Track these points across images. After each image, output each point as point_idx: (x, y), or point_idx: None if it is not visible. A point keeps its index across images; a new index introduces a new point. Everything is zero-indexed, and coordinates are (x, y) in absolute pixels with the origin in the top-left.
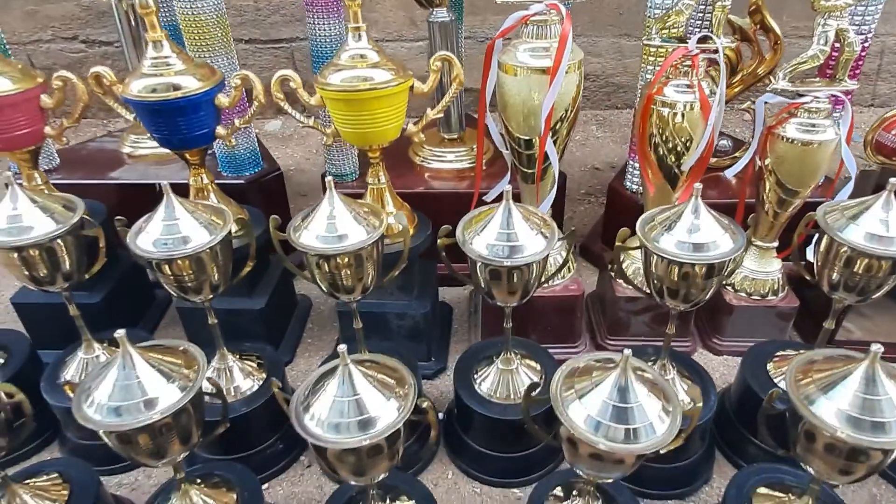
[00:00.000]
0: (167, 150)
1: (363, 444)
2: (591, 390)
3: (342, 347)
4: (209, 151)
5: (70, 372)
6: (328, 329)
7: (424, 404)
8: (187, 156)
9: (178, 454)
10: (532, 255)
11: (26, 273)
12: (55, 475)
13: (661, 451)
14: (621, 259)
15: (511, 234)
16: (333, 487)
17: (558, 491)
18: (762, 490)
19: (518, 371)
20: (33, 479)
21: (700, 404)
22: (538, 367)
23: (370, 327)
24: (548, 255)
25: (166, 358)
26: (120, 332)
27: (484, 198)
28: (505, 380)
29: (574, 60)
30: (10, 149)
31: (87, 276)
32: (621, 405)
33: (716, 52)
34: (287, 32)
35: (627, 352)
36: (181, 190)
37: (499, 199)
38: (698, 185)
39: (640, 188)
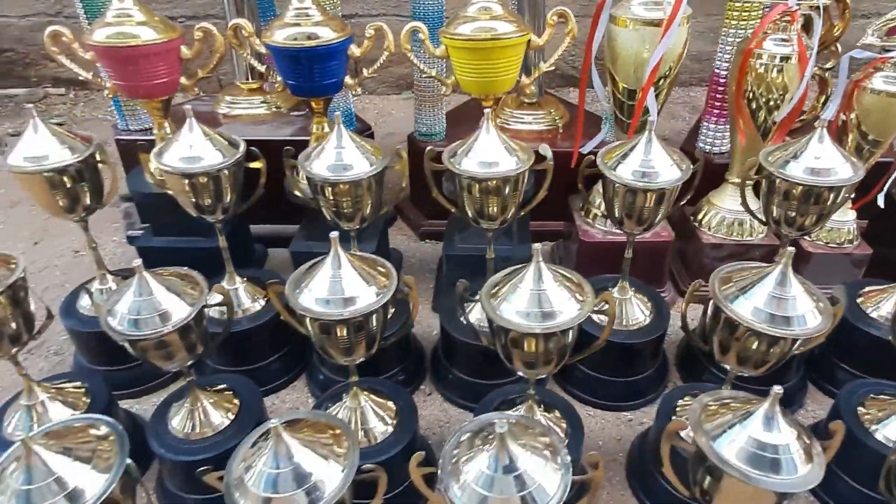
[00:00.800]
0: (261, 111)
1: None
2: (752, 287)
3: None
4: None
5: None
6: (419, 279)
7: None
8: (313, 104)
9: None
10: None
11: (193, 200)
12: (225, 387)
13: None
14: (704, 210)
15: None
16: (456, 413)
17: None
18: (871, 397)
19: (631, 301)
20: (209, 387)
21: (840, 305)
22: (647, 301)
23: (474, 272)
24: None
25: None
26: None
27: (581, 149)
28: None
29: (685, 14)
30: (149, 97)
31: (243, 208)
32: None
33: (813, 8)
34: None
35: (791, 249)
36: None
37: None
38: (825, 116)
39: (713, 148)
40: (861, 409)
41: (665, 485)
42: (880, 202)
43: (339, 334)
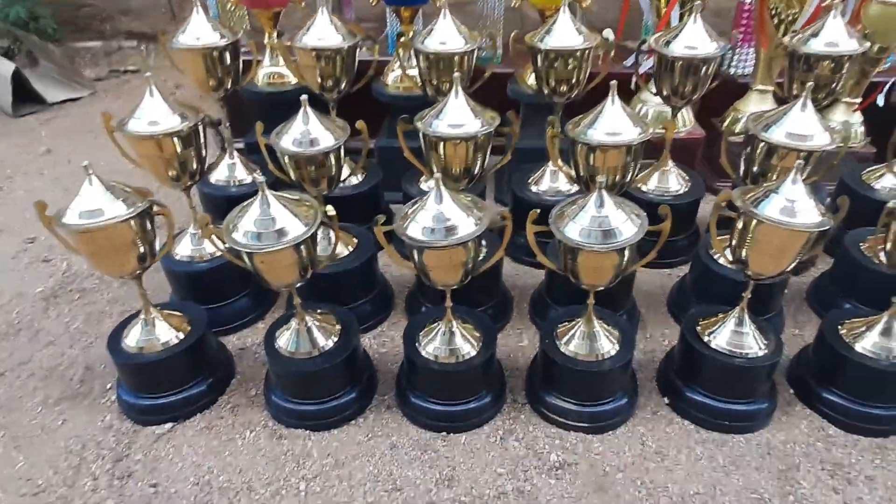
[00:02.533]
0: None
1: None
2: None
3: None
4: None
5: None
6: None
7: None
8: (402, 11)
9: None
10: None
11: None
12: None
13: None
14: (730, 116)
15: None
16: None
17: None
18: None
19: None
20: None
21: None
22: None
23: None
24: None
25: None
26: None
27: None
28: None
29: None
30: (264, 7)
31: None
32: None
33: None
34: None
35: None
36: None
37: None
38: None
39: (738, 70)
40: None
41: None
42: (880, 102)
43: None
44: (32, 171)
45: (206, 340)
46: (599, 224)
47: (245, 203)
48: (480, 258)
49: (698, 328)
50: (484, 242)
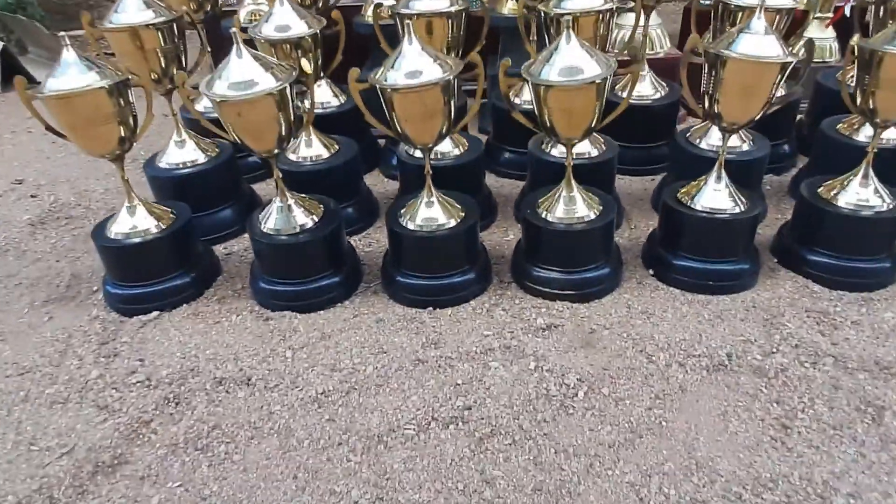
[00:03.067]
0: None
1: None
2: None
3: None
4: None
5: None
6: None
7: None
8: None
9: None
10: None
11: None
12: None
13: None
14: None
15: None
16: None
17: None
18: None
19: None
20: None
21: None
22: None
23: None
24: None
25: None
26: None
27: None
28: None
29: None
30: None
31: None
32: None
33: None
34: None
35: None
36: None
37: None
38: None
39: None
40: (821, 189)
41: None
42: (847, 12)
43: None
44: (20, 129)
45: (188, 231)
46: (569, 64)
47: (221, 63)
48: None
49: (679, 195)
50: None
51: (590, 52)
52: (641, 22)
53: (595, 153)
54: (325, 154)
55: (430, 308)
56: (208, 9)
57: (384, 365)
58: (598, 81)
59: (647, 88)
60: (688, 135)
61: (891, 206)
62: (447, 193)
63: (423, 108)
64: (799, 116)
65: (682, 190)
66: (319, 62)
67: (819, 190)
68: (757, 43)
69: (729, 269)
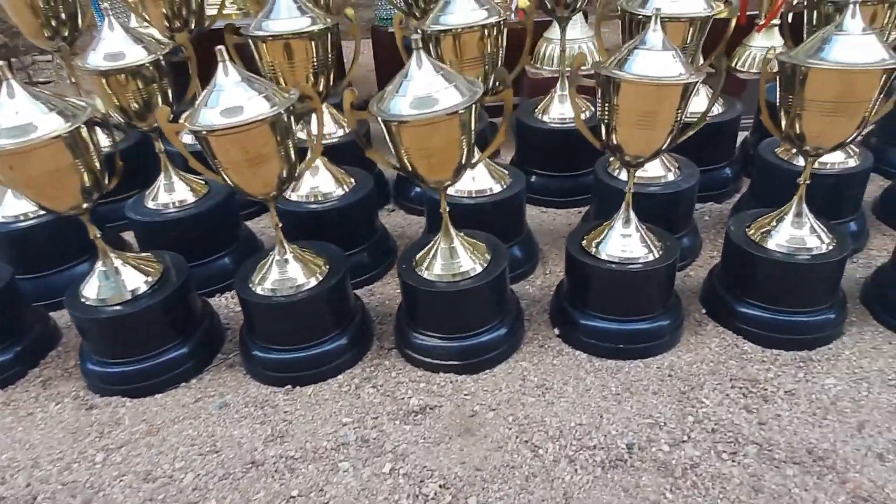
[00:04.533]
0: None
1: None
2: None
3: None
4: None
5: None
6: None
7: None
8: None
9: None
10: None
11: None
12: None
13: None
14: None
15: None
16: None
17: None
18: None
19: None
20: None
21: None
22: None
23: None
24: None
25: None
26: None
27: None
28: None
29: None
30: None
31: None
32: None
33: None
34: None
35: None
36: None
37: None
38: None
39: None
40: (750, 230)
41: None
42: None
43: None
44: None
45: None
46: (422, 93)
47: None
48: None
49: (584, 241)
50: None
51: (447, 76)
52: (556, 35)
53: (497, 188)
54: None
55: (289, 386)
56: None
57: (209, 471)
58: (460, 112)
59: (569, 110)
60: (607, 164)
61: (831, 248)
62: (308, 246)
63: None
64: (746, 135)
65: (588, 235)
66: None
67: (748, 230)
68: (654, 61)
69: (643, 328)
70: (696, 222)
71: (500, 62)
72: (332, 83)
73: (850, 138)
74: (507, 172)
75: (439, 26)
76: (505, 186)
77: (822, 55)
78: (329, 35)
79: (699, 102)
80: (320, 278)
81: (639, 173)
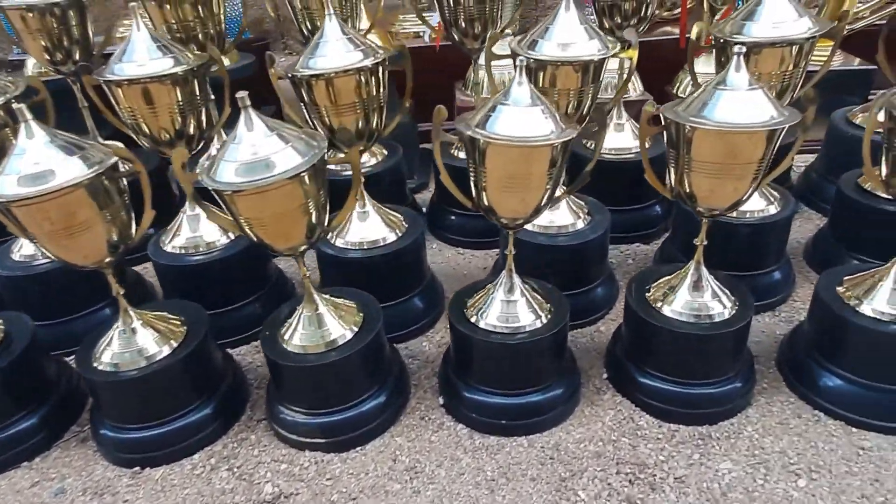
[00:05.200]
0: None
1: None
2: None
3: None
4: None
5: None
6: None
7: None
8: None
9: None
10: None
11: None
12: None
13: None
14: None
15: None
16: None
17: None
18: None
19: None
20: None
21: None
22: None
23: None
24: None
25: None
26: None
27: None
28: None
29: None
30: None
31: None
32: None
33: None
34: None
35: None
36: None
37: None
38: None
39: None
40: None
41: None
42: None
43: None
44: None
45: None
46: (252, 156)
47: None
48: None
49: (466, 309)
50: None
51: (283, 135)
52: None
53: (392, 237)
54: (391, 236)
55: (139, 468)
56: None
57: None
58: (303, 173)
59: None
60: None
61: (734, 312)
62: (157, 308)
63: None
64: None
65: (469, 300)
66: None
67: (648, 293)
68: (520, 118)
69: (530, 402)
70: (616, 268)
71: (380, 105)
72: (203, 128)
73: (746, 197)
74: (403, 218)
75: (309, 70)
76: (401, 234)
77: (705, 113)
78: (196, 77)
79: (625, 139)
80: (176, 346)
81: (544, 222)
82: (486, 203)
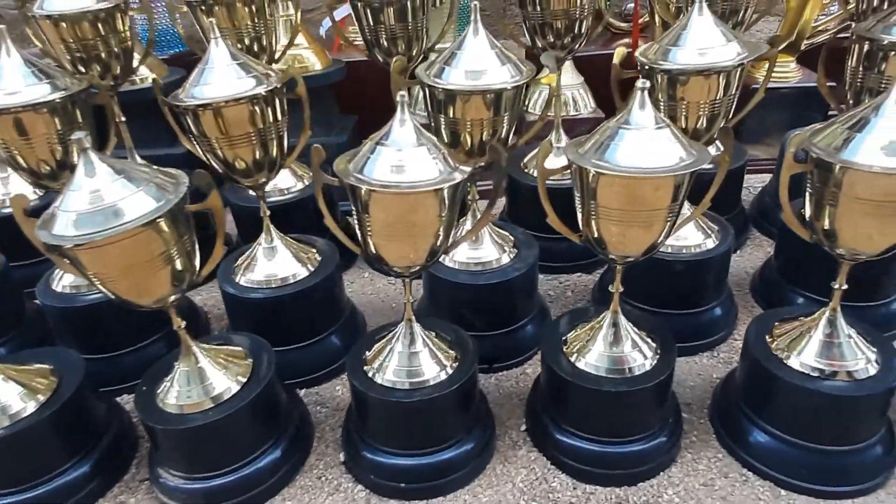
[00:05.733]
0: None
1: None
2: None
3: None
4: None
5: None
6: None
7: None
8: None
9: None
10: None
11: None
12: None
13: None
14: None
15: None
16: None
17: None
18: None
19: None
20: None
21: None
22: None
23: None
24: None
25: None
26: None
27: None
28: None
29: None
30: None
31: None
32: None
33: None
34: None
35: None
36: None
37: None
38: None
39: None
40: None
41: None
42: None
43: None
44: None
45: None
46: (93, 204)
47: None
48: None
49: (365, 364)
50: None
51: (134, 177)
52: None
53: (303, 273)
54: (302, 272)
55: None
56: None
57: None
58: (159, 219)
59: None
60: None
61: (654, 363)
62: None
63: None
64: None
65: (369, 353)
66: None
67: (565, 345)
68: (399, 160)
69: (434, 461)
70: (554, 301)
71: (279, 134)
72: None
73: (661, 241)
74: (316, 251)
75: (194, 101)
76: (314, 269)
77: (607, 155)
78: (74, 103)
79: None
80: (42, 400)
81: (464, 258)
82: (373, 251)
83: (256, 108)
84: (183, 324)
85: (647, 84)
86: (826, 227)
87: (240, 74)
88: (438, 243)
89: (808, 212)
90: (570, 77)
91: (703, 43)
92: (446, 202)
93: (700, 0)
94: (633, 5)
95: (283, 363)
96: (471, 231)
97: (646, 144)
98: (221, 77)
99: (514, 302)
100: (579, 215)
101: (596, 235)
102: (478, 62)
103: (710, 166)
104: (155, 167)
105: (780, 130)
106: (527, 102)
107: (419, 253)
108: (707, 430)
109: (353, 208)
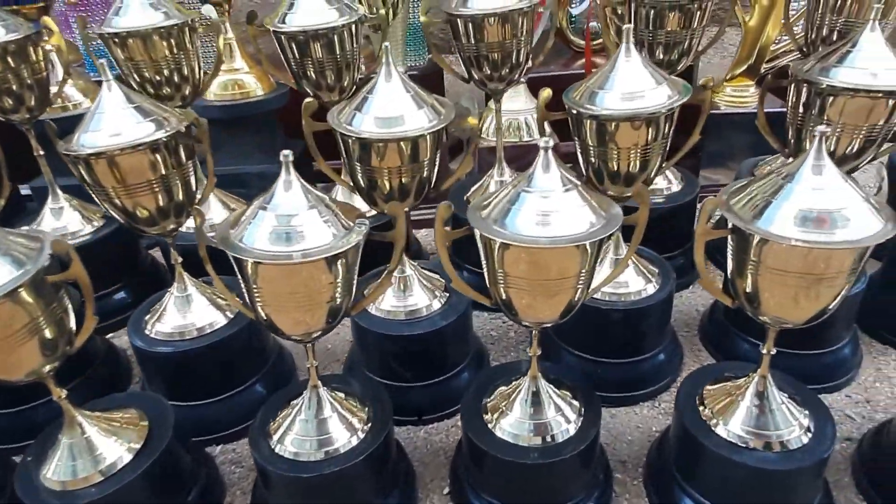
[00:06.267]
0: None
1: None
2: None
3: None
4: None
5: None
6: None
7: None
8: None
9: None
10: None
11: None
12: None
13: None
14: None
15: None
16: None
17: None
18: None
19: None
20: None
21: None
22: None
23: None
24: None
25: None
26: None
27: None
28: None
29: None
30: None
31: None
32: None
33: None
34: None
35: None
36: None
37: None
38: None
39: None
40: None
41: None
42: None
43: None
44: None
45: None
46: None
47: None
48: None
49: (268, 436)
50: None
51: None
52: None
53: (221, 322)
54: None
55: None
56: None
57: None
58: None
59: None
60: None
61: (578, 426)
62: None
63: None
64: None
65: (273, 423)
66: None
67: (485, 411)
68: (286, 225)
69: None
70: (495, 342)
71: (184, 178)
72: None
73: (577, 305)
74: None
75: (84, 150)
76: (233, 316)
77: (507, 220)
78: None
79: None
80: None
81: (389, 306)
82: (263, 317)
83: (157, 155)
84: (63, 394)
85: (550, 143)
86: (748, 292)
87: (137, 119)
88: (339, 305)
89: (731, 276)
90: (522, 102)
91: (632, 86)
92: (342, 266)
93: (627, 41)
94: (595, 24)
95: (198, 419)
96: (372, 294)
97: (551, 209)
98: (114, 121)
99: (446, 350)
100: (487, 279)
101: (503, 298)
102: (391, 108)
103: (660, 199)
104: (15, 232)
105: (743, 154)
106: (480, 127)
107: (316, 319)
108: (640, 494)
109: (240, 277)
